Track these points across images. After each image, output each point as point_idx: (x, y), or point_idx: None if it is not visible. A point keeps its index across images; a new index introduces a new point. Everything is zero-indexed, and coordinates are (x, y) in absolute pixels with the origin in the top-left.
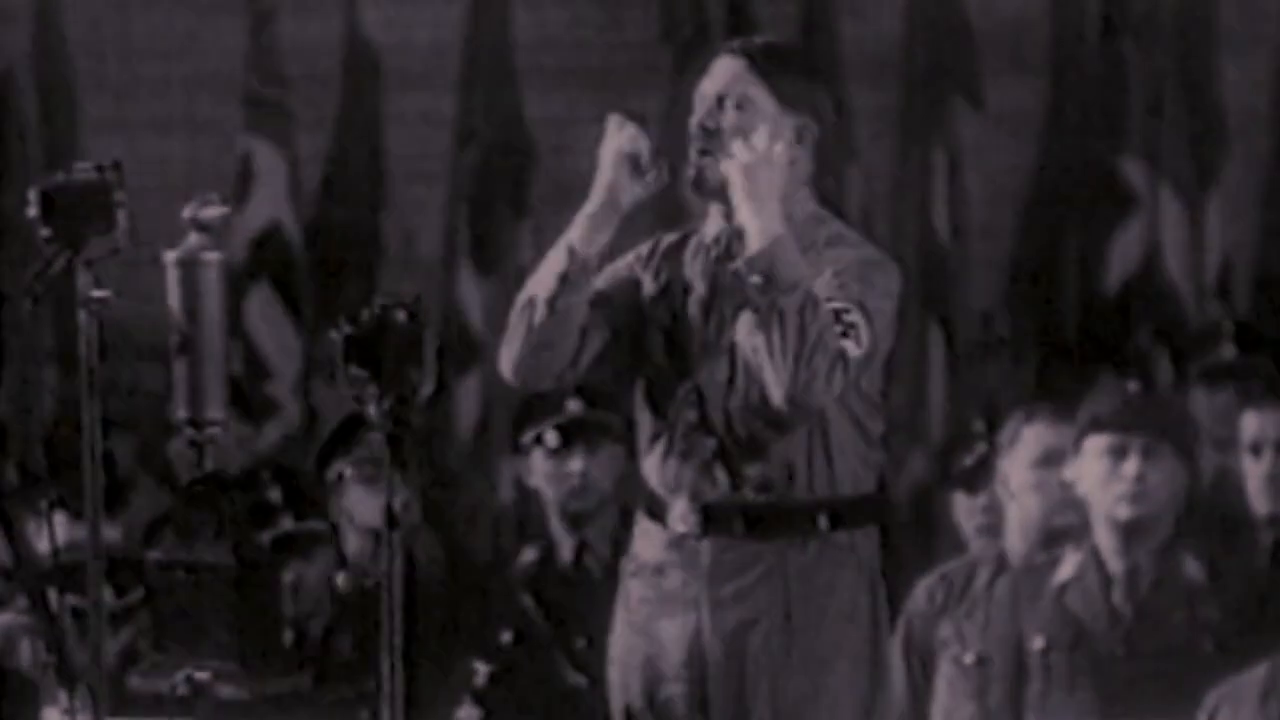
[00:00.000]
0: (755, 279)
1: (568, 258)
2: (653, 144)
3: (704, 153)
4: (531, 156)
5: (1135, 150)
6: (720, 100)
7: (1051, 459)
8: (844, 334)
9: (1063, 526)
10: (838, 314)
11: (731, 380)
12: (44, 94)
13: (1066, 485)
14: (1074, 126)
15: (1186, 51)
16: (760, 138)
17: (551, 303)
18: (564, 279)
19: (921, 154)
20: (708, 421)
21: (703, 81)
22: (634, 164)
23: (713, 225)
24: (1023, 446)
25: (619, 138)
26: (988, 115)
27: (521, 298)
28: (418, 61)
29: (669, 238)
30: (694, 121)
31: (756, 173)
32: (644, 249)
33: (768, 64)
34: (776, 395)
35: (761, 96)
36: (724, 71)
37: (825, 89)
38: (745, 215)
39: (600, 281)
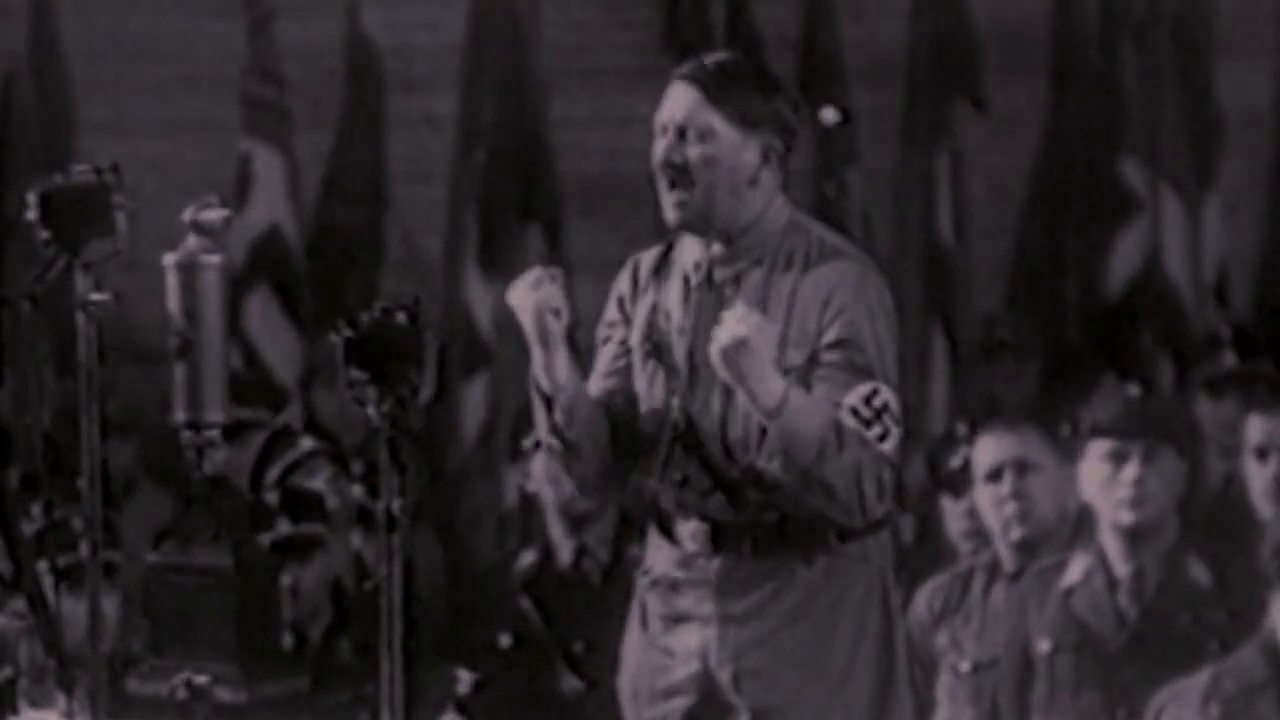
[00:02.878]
0: (775, 459)
1: (539, 396)
2: (566, 295)
3: (674, 186)
4: (537, 158)
5: (1136, 152)
6: (682, 132)
7: (998, 473)
8: (876, 425)
9: (1025, 540)
10: (868, 401)
11: (725, 409)
12: (42, 96)
13: (1022, 498)
14: (1075, 129)
15: (1186, 53)
16: (737, 315)
17: (559, 434)
18: (549, 408)
19: (923, 156)
20: (706, 454)
21: (661, 109)
22: (554, 311)
23: (689, 252)
24: (976, 460)
25: (538, 295)
26: (990, 117)
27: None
28: (419, 63)
29: (646, 260)
30: (658, 155)
31: (737, 354)
32: (624, 285)
33: (722, 90)
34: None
35: (721, 126)
36: (680, 101)
37: (783, 98)
38: (744, 394)
39: (601, 382)
